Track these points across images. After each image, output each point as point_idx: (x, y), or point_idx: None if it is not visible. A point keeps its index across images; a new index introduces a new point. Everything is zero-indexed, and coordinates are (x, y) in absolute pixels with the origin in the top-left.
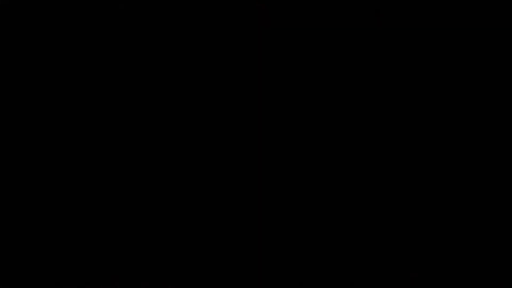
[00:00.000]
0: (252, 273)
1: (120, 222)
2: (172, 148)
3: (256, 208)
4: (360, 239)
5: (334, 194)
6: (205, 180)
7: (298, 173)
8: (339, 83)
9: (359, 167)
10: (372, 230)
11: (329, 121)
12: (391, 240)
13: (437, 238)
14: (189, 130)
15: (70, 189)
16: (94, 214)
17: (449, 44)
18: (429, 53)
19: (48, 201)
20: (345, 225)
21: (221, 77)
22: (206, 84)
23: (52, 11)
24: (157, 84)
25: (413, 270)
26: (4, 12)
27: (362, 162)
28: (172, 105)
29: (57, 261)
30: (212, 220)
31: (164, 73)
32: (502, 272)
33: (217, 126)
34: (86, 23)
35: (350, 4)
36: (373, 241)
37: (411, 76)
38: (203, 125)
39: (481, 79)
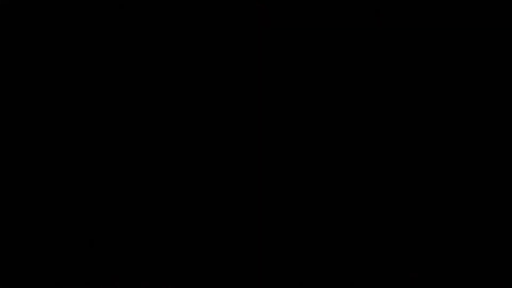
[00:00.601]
0: (252, 273)
1: (120, 222)
2: (172, 148)
3: (256, 208)
4: (360, 239)
5: (334, 194)
6: (205, 180)
7: (298, 173)
8: (339, 83)
9: (359, 167)
10: (372, 230)
11: (329, 121)
12: (391, 240)
13: (437, 238)
14: (189, 130)
15: (70, 189)
16: (94, 214)
17: (449, 44)
18: (429, 53)
19: (48, 201)
20: (345, 225)
21: (221, 77)
22: (206, 84)
23: (52, 11)
24: (157, 84)
25: (413, 270)
26: (4, 12)
27: (361, 162)
28: (172, 105)
29: (57, 261)
30: (212, 220)
31: (164, 73)
32: (502, 272)
33: (217, 126)
34: (86, 23)
35: (350, 4)
36: (373, 241)
37: (411, 76)
38: (203, 125)
39: (481, 79)
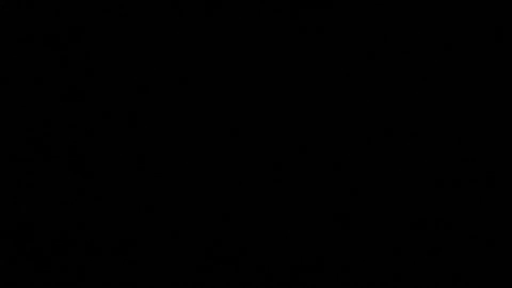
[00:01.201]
0: (252, 273)
1: (120, 221)
2: (171, 147)
3: (256, 208)
4: (360, 239)
5: (334, 194)
6: (204, 179)
7: (297, 172)
8: (338, 82)
9: (358, 167)
10: (372, 230)
11: (328, 121)
12: (391, 240)
13: (436, 238)
14: (188, 130)
15: (70, 188)
16: (94, 214)
17: (448, 44)
18: (428, 53)
19: (48, 201)
20: (344, 224)
21: (220, 76)
22: (205, 83)
23: (52, 10)
24: (156, 83)
25: (413, 270)
26: (4, 12)
27: (361, 162)
28: (171, 105)
29: (57, 261)
30: (211, 219)
31: (163, 72)
32: (502, 272)
33: (216, 126)
34: (86, 22)
35: (349, 3)
36: (373, 240)
37: (410, 76)
38: (202, 125)
39: (481, 80)
